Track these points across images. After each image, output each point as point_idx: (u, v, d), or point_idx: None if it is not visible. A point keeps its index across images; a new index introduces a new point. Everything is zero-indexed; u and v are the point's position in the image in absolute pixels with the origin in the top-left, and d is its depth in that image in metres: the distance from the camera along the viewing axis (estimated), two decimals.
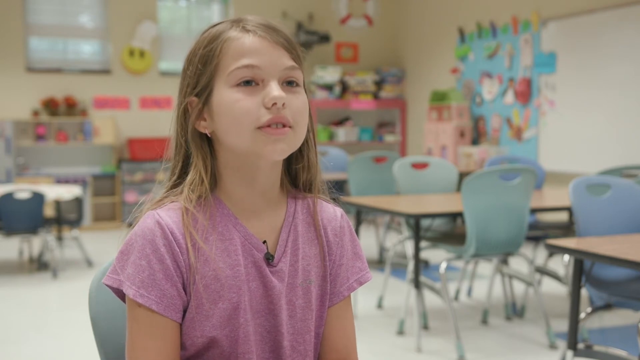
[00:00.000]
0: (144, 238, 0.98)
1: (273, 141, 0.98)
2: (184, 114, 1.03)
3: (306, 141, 1.07)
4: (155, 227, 0.98)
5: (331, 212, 1.13)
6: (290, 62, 1.01)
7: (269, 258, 1.03)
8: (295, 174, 1.10)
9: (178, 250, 0.98)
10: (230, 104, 0.98)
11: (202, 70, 1.01)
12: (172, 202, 1.03)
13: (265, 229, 1.05)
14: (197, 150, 1.03)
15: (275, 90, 0.98)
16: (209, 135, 1.03)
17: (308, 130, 1.07)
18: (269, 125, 0.98)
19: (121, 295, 1.01)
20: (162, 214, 1.00)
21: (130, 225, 1.03)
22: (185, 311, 1.00)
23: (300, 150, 1.07)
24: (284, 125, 0.98)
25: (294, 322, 1.05)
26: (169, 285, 0.97)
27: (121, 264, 0.98)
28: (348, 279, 1.11)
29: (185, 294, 0.99)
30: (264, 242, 1.04)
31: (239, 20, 1.03)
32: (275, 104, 0.97)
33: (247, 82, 0.99)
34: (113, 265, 1.00)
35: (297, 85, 1.02)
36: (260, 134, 0.98)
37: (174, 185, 1.06)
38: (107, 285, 1.00)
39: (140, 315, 0.97)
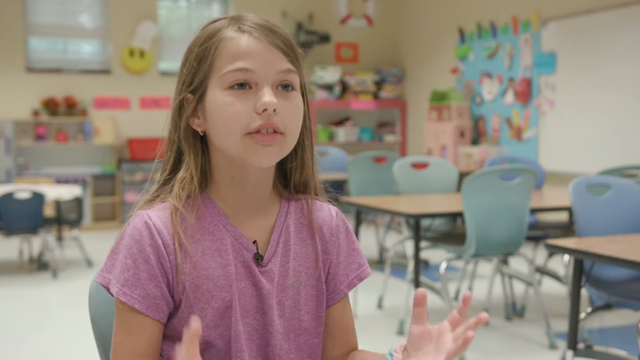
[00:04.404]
0: (131, 238, 0.99)
1: (261, 147, 0.97)
2: (179, 110, 1.03)
3: (302, 141, 1.06)
4: (143, 227, 0.99)
5: (326, 211, 1.12)
6: (286, 65, 0.99)
7: (258, 258, 1.03)
8: (289, 174, 1.09)
9: (164, 251, 0.98)
10: (222, 107, 0.97)
11: (197, 69, 1.00)
12: (163, 201, 1.03)
13: (257, 229, 1.05)
14: (190, 148, 1.03)
15: (266, 96, 0.96)
16: (201, 133, 1.02)
17: (305, 130, 1.06)
18: (258, 131, 0.96)
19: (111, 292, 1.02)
20: (152, 214, 1.00)
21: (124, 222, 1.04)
22: (177, 311, 1.00)
23: (294, 150, 1.05)
24: (274, 131, 0.97)
25: (283, 321, 1.05)
26: (152, 285, 0.98)
27: (111, 262, 1.01)
28: (348, 275, 1.11)
29: (173, 294, 1.00)
30: (254, 242, 1.04)
31: (237, 18, 1.02)
32: (266, 110, 0.96)
33: (241, 85, 0.97)
34: (105, 263, 1.02)
35: (293, 89, 1.01)
36: (249, 139, 0.97)
37: (165, 182, 1.06)
38: (99, 283, 1.02)
39: (123, 312, 0.99)
